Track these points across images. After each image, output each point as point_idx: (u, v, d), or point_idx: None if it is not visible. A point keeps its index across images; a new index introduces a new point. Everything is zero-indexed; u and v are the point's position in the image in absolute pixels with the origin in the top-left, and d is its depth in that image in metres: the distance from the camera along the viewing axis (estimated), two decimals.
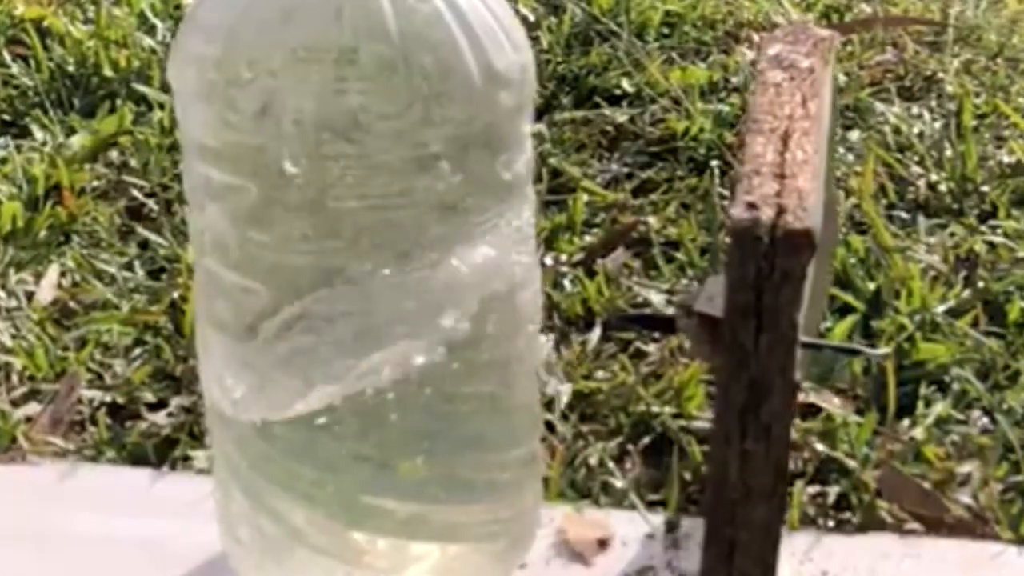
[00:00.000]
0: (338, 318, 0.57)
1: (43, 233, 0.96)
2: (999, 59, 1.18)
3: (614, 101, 1.11)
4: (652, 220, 0.96)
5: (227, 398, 0.60)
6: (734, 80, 1.13)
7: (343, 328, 0.57)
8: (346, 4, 0.54)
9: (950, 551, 0.69)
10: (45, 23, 1.22)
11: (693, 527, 0.70)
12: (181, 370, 0.82)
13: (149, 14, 1.24)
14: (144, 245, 0.94)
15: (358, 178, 0.55)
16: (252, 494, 0.61)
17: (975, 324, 0.84)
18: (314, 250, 0.56)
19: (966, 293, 0.87)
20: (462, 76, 0.55)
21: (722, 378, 0.52)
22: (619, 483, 0.73)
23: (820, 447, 0.75)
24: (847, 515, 0.72)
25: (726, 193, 0.98)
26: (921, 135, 1.05)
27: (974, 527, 0.71)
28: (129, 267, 0.92)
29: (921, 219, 0.95)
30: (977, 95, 1.11)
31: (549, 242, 0.93)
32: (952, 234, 0.94)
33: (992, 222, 0.95)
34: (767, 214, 0.51)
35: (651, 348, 0.83)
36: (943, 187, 0.99)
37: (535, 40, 1.15)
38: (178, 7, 1.25)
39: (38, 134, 1.07)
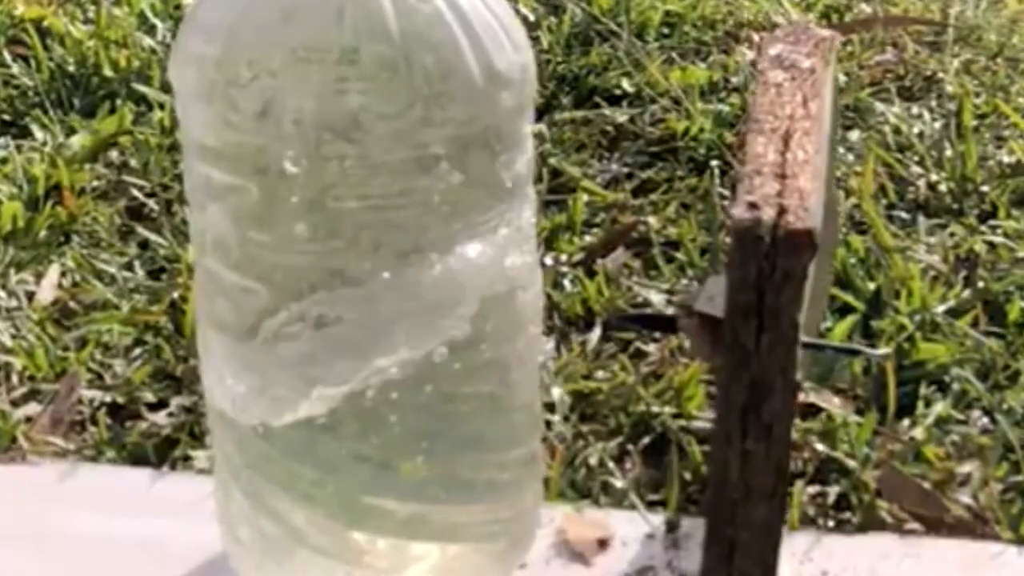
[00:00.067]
0: (339, 319, 0.57)
1: (43, 233, 0.96)
2: (999, 59, 1.18)
3: (614, 101, 1.11)
4: (652, 220, 0.95)
5: (228, 398, 0.60)
6: (734, 80, 1.13)
7: (344, 329, 0.57)
8: (347, 4, 0.54)
9: (950, 551, 0.69)
10: (45, 23, 1.22)
11: (693, 527, 0.70)
12: (181, 370, 0.82)
13: (149, 14, 1.24)
14: (144, 245, 0.94)
15: (359, 178, 0.55)
16: (252, 494, 0.61)
17: (975, 324, 0.84)
18: (314, 250, 0.56)
19: (966, 293, 0.87)
20: (463, 76, 0.55)
21: (723, 378, 0.52)
22: (619, 483, 0.73)
23: (820, 447, 0.75)
24: (847, 515, 0.72)
25: (726, 193, 0.98)
26: (921, 135, 1.05)
27: (974, 527, 0.71)
28: (129, 267, 0.92)
29: (921, 219, 0.95)
30: (977, 95, 1.11)
31: (549, 242, 0.93)
32: (952, 234, 0.94)
33: (992, 222, 0.95)
34: (768, 214, 0.51)
35: (651, 348, 0.83)
36: (943, 187, 0.99)
37: (535, 40, 1.15)
38: (178, 7, 1.25)
39: (38, 134, 1.07)
